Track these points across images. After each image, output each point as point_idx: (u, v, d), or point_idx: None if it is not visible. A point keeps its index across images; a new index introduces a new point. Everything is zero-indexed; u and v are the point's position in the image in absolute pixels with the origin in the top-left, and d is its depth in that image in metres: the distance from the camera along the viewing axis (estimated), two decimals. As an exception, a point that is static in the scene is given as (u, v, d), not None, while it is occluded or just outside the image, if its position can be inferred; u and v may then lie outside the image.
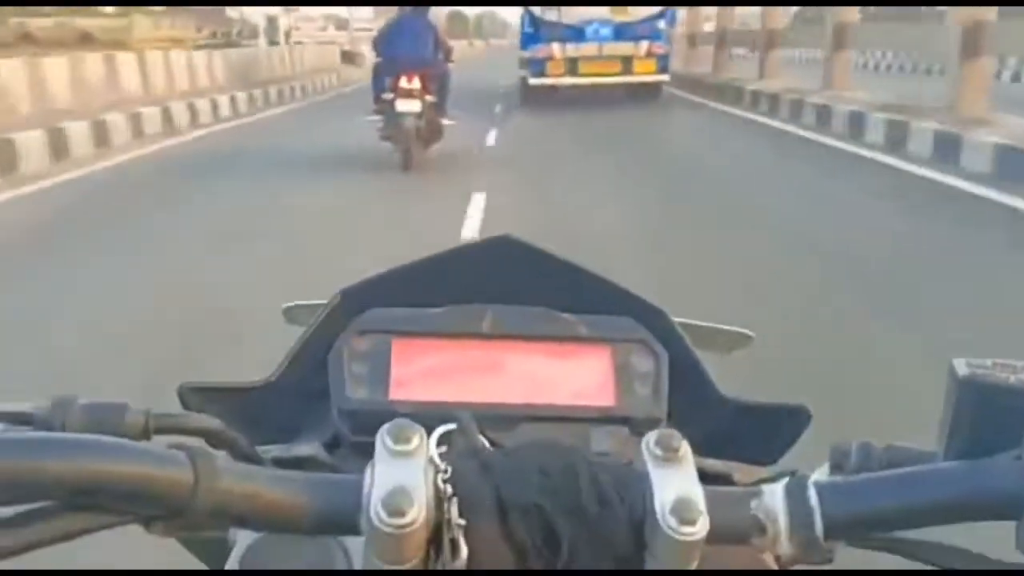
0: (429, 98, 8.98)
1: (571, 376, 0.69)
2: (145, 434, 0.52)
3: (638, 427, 0.66)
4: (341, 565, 0.55)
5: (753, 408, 0.71)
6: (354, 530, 0.44)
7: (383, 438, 0.45)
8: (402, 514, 0.42)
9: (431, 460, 0.45)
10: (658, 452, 0.45)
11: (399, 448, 0.44)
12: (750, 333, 0.93)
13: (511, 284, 0.72)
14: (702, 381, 0.72)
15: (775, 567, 0.52)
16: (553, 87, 16.33)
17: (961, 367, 0.49)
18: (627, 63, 16.07)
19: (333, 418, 0.67)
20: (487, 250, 0.75)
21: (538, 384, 0.68)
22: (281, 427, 0.67)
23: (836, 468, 0.52)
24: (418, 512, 0.43)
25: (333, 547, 0.55)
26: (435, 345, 0.69)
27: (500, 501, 0.45)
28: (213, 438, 0.54)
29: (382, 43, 9.30)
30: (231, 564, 0.56)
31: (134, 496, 0.43)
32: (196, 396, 0.69)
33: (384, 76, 9.12)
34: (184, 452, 0.44)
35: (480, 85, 19.48)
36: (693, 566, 0.44)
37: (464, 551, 0.44)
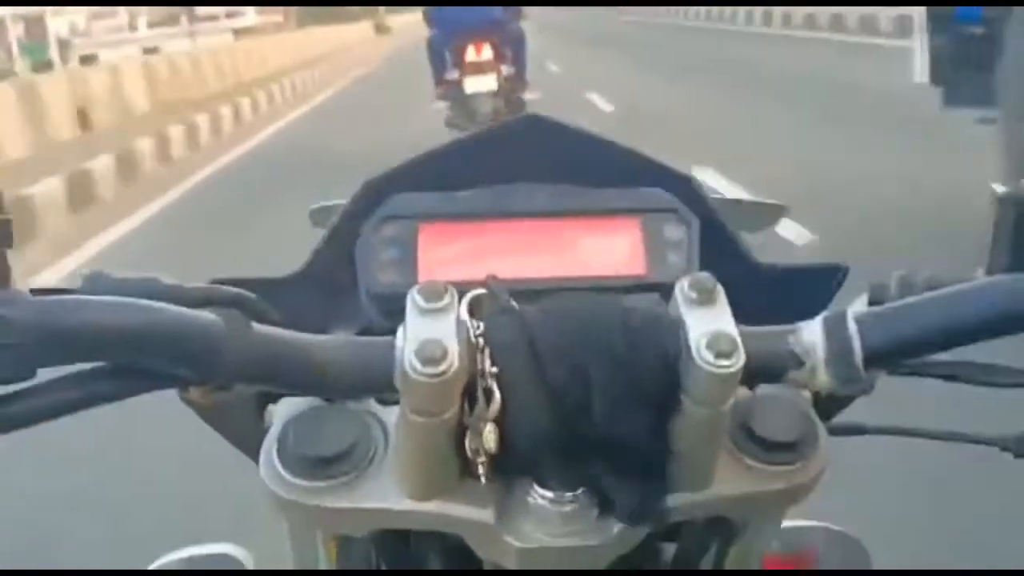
0: (506, 69, 7.11)
1: (602, 249, 0.68)
2: (177, 304, 0.52)
3: (671, 294, 0.58)
4: (379, 440, 0.53)
5: (788, 271, 0.71)
6: (389, 387, 0.47)
7: (413, 297, 0.47)
8: (436, 363, 0.44)
9: (462, 319, 0.47)
10: (692, 295, 0.48)
11: (430, 305, 0.47)
12: (783, 204, 0.91)
13: (538, 163, 0.70)
14: (734, 248, 0.71)
15: (813, 412, 0.53)
16: None
17: (1000, 188, 0.54)
18: None
19: (363, 306, 0.68)
20: (513, 130, 0.73)
21: (568, 259, 0.67)
22: (310, 320, 0.61)
23: (875, 303, 0.54)
24: (452, 362, 0.45)
25: (370, 422, 0.53)
26: (462, 228, 0.68)
27: (532, 348, 0.47)
28: (245, 309, 0.52)
29: (435, 11, 7.37)
30: (266, 447, 0.53)
31: (169, 352, 0.47)
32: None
33: (443, 50, 7.20)
34: (214, 312, 0.48)
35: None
36: (729, 404, 0.47)
37: (497, 398, 0.46)
